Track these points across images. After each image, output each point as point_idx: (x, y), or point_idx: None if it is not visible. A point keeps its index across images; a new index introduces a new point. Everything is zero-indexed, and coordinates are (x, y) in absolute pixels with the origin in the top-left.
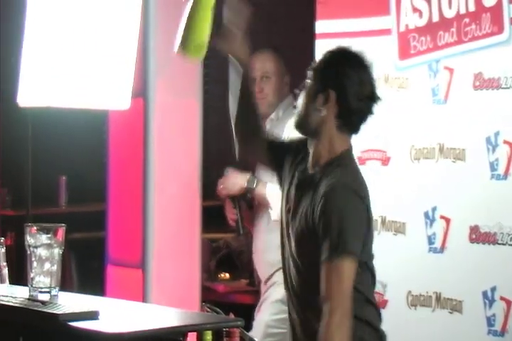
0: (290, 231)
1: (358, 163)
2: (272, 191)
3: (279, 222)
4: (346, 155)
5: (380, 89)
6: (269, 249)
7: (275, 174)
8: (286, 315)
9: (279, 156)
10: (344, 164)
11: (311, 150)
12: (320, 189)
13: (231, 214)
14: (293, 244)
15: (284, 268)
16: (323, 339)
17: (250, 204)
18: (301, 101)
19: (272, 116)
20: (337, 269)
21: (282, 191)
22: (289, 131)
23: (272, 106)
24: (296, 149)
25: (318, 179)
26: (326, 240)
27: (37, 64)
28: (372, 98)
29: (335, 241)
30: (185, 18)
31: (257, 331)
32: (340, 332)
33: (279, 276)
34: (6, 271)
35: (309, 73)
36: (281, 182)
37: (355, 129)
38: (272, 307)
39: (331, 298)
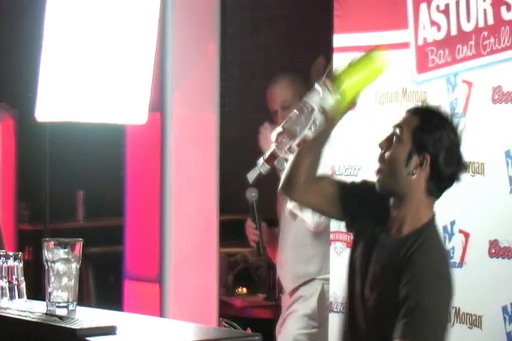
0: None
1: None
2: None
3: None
4: (432, 226)
5: (397, 103)
6: (297, 261)
7: (344, 220)
8: (314, 330)
9: (352, 201)
10: (431, 238)
11: (394, 213)
12: (411, 268)
13: (252, 234)
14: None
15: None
16: None
17: (272, 222)
18: (390, 156)
19: None
20: None
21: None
22: (333, 150)
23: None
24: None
25: (404, 252)
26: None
27: (55, 79)
28: (460, 163)
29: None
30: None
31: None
32: None
33: (306, 290)
34: (23, 285)
35: (400, 128)
36: (352, 227)
37: (441, 194)
38: (301, 321)
39: None
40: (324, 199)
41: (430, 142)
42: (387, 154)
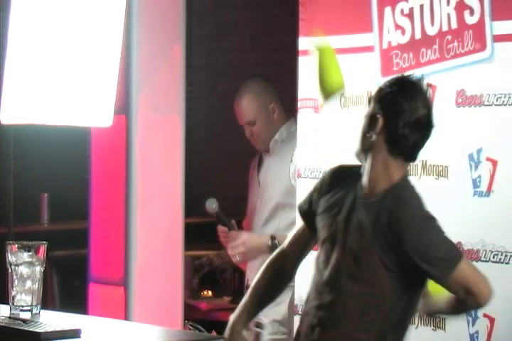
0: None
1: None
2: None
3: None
4: (405, 182)
5: (363, 107)
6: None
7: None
8: (283, 336)
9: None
10: (405, 191)
11: (365, 176)
12: (394, 221)
13: (225, 238)
14: (349, 257)
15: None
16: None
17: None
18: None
19: (276, 137)
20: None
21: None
22: (299, 153)
23: (265, 140)
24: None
25: (381, 208)
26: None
27: (19, 81)
28: (422, 126)
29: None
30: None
31: None
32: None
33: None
34: None
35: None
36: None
37: (408, 156)
38: (271, 327)
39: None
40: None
41: (382, 106)
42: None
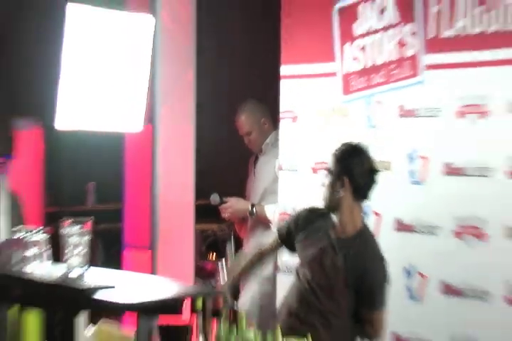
0: (313, 278)
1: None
2: (269, 211)
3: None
4: (366, 228)
5: (328, 117)
6: (260, 235)
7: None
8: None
9: (292, 240)
10: (369, 237)
11: (337, 220)
12: (361, 257)
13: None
14: (314, 284)
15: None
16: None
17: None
18: (325, 189)
19: (267, 141)
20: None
21: (295, 237)
22: (281, 152)
23: (260, 145)
24: (296, 226)
25: (352, 246)
26: (373, 297)
27: (71, 96)
28: (372, 173)
29: (380, 299)
30: None
31: (247, 295)
32: None
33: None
34: (49, 252)
35: (328, 169)
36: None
37: (366, 197)
38: (259, 282)
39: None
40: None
41: (343, 169)
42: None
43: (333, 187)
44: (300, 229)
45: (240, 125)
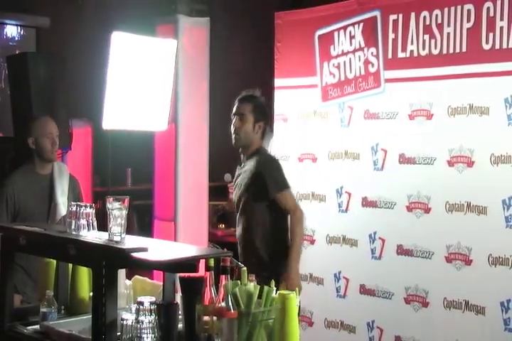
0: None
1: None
2: None
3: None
4: (262, 148)
5: (311, 119)
6: None
7: None
8: None
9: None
10: (264, 151)
11: (243, 155)
12: (256, 166)
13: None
14: (242, 198)
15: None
16: (298, 228)
17: None
18: (242, 130)
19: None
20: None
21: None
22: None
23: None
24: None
25: (251, 162)
26: (274, 182)
27: (114, 103)
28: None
29: (281, 181)
30: None
31: None
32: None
33: None
34: (95, 223)
35: (245, 111)
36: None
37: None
38: None
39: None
40: None
41: (262, 115)
42: (240, 129)
43: (252, 130)
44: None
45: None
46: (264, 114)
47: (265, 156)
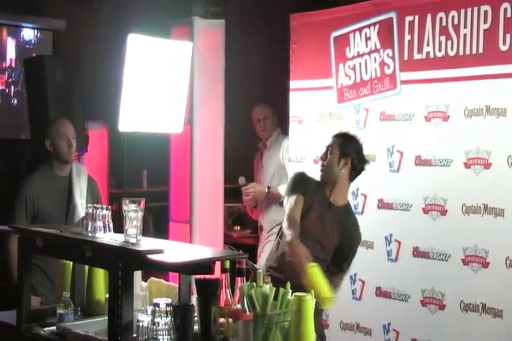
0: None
1: None
2: (282, 190)
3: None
4: (349, 203)
5: (326, 120)
6: (274, 212)
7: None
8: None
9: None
10: (352, 210)
11: (329, 189)
12: (348, 226)
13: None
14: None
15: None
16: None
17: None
18: (328, 162)
19: (272, 137)
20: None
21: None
22: (290, 147)
23: (270, 133)
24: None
25: (342, 214)
26: (346, 258)
27: (130, 105)
28: (364, 162)
29: (348, 263)
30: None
31: (263, 259)
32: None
33: (277, 228)
34: (111, 224)
35: (331, 147)
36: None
37: (355, 178)
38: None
39: None
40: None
41: (349, 152)
42: (325, 162)
43: (336, 164)
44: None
45: (257, 111)
46: (351, 152)
47: (355, 219)
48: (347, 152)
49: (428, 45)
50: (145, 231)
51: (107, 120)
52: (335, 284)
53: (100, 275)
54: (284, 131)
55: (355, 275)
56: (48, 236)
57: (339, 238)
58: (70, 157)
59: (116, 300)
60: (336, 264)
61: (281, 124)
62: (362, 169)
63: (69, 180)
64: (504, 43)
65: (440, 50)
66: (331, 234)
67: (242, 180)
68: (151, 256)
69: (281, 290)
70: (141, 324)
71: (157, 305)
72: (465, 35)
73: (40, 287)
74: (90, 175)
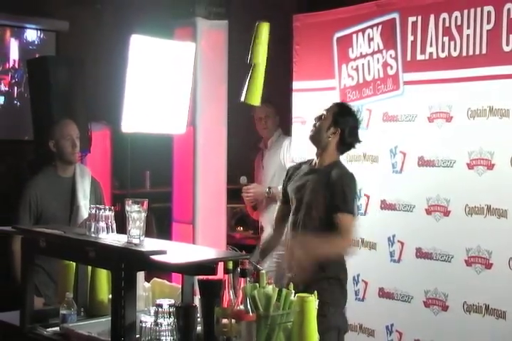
0: (303, 201)
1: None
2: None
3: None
4: (339, 161)
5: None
6: (271, 215)
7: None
8: (282, 252)
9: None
10: (342, 165)
11: (317, 156)
12: (333, 176)
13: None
14: (304, 206)
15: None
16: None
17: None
18: (319, 125)
19: (273, 138)
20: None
21: (287, 186)
22: (292, 147)
23: (271, 131)
24: (288, 179)
25: (327, 171)
26: (342, 201)
27: (133, 106)
28: (356, 138)
29: (348, 205)
30: (249, 79)
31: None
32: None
33: None
34: (114, 225)
35: (326, 112)
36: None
37: (343, 152)
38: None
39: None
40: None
41: (340, 122)
42: (317, 124)
43: (325, 130)
44: (289, 178)
45: (259, 110)
46: (344, 124)
47: (345, 170)
48: (339, 122)
49: (431, 45)
50: (148, 232)
51: (110, 121)
52: (345, 229)
53: (103, 276)
54: (286, 132)
55: (358, 276)
56: (52, 237)
57: (328, 192)
58: (74, 157)
59: (120, 300)
60: (335, 207)
61: (284, 125)
62: (351, 145)
63: (72, 181)
64: (507, 44)
65: (443, 51)
66: (320, 196)
67: (243, 179)
68: (154, 257)
69: (284, 291)
70: (144, 325)
71: (160, 305)
72: (468, 35)
73: (44, 288)
74: (93, 176)
